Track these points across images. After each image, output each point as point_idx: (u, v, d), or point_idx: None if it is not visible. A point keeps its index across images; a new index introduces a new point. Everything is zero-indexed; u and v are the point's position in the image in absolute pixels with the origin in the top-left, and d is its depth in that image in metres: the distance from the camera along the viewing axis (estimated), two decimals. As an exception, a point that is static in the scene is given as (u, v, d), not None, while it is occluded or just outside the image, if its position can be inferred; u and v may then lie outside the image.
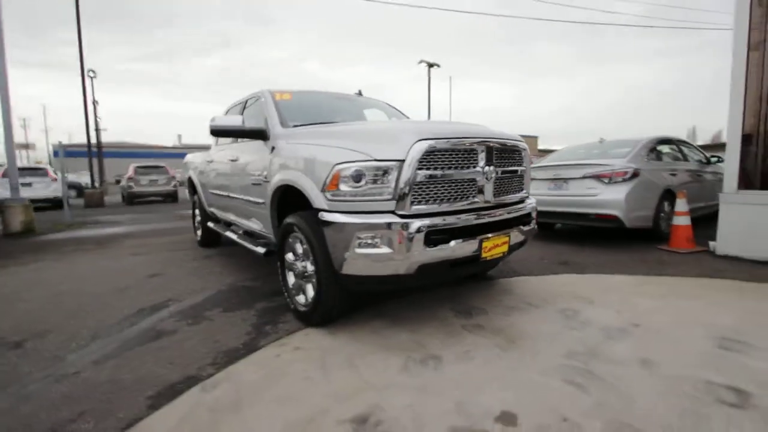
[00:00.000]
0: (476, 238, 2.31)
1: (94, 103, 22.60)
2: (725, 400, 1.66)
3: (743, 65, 3.67)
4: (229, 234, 4.06)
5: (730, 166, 3.81)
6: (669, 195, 4.76)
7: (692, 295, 2.95)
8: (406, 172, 2.09)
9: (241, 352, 2.25)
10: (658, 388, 1.77)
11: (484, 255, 2.35)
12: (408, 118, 4.01)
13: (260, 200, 3.07)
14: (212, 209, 4.67)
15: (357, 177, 2.12)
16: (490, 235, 2.37)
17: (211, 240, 5.32)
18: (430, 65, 23.71)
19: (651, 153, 4.91)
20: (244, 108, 3.84)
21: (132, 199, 13.65)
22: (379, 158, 2.10)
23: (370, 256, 2.10)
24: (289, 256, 2.75)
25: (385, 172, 2.09)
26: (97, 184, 16.78)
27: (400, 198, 2.10)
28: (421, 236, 2.10)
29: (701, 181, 5.45)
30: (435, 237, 2.15)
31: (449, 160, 2.23)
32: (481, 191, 2.40)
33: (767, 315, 2.56)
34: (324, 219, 2.21)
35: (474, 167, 2.33)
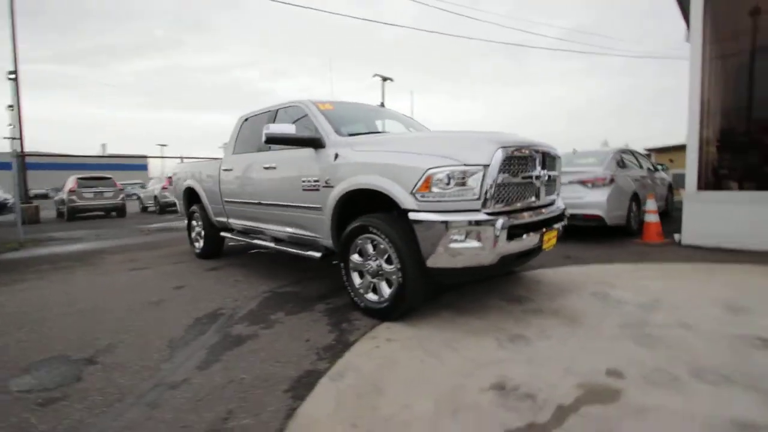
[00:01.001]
0: (538, 232, 2.67)
1: (11, 108, 20.11)
2: (756, 344, 2.16)
3: (698, 96, 4.52)
4: (259, 242, 4.04)
5: (691, 172, 4.64)
6: (635, 197, 5.59)
7: (683, 276, 3.59)
8: (491, 176, 2.40)
9: (339, 347, 2.37)
10: (705, 341, 2.23)
11: (544, 246, 2.73)
12: (426, 127, 4.32)
13: (315, 205, 3.18)
14: (229, 219, 4.58)
15: (447, 180, 2.38)
16: (545, 229, 2.75)
17: (213, 251, 5.17)
18: (384, 79, 24.44)
19: (619, 162, 5.73)
20: (275, 117, 3.91)
21: (73, 214, 12.34)
22: (468, 163, 2.38)
23: (462, 250, 2.36)
24: (355, 258, 2.90)
25: (473, 175, 2.38)
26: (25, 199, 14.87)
27: (485, 198, 2.40)
28: (504, 231, 2.40)
29: (654, 185, 6.44)
30: (514, 232, 2.47)
31: (519, 165, 2.58)
32: (537, 193, 2.78)
33: (748, 287, 3.22)
34: (416, 218, 2.42)
35: (534, 171, 2.70)
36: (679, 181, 9.50)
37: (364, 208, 2.96)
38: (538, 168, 2.74)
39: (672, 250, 4.65)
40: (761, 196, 4.29)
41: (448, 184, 2.38)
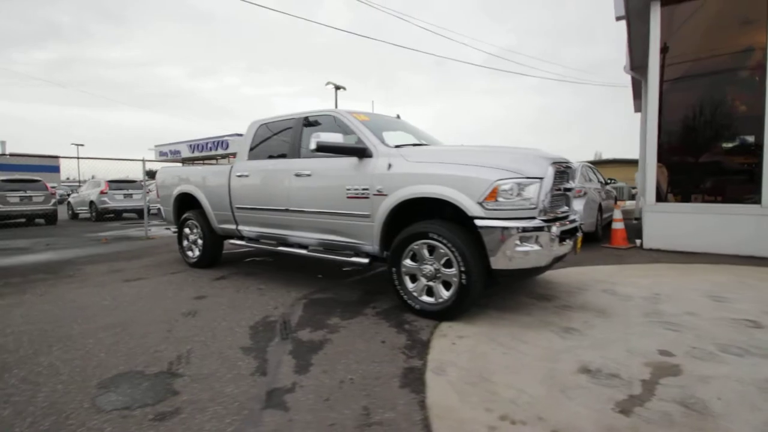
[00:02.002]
0: (573, 237, 3.07)
1: None
2: (749, 325, 2.73)
3: (655, 123, 5.39)
4: (285, 249, 4.00)
5: (650, 186, 5.48)
6: (600, 207, 6.42)
7: (663, 275, 4.26)
8: (545, 187, 2.74)
9: (418, 346, 2.52)
10: (711, 325, 2.75)
11: (576, 250, 3.13)
12: (437, 139, 4.61)
13: (363, 212, 3.29)
14: (239, 226, 4.44)
15: (512, 190, 2.67)
16: (578, 234, 3.16)
17: (211, 260, 4.95)
18: (337, 88, 24.58)
19: (584, 175, 6.53)
20: (302, 124, 3.93)
21: (-7, 222, 10.70)
22: (528, 176, 2.70)
23: (525, 253, 2.66)
24: (407, 262, 3.07)
25: (531, 186, 2.70)
26: None
27: (540, 207, 2.73)
28: (557, 236, 2.75)
29: (608, 197, 7.41)
30: (562, 236, 2.83)
31: (560, 178, 2.97)
32: (567, 203, 3.19)
33: (716, 281, 3.93)
34: (484, 225, 2.68)
35: (567, 184, 3.11)
36: (618, 194, 10.89)
37: (411, 216, 3.15)
38: (570, 182, 3.16)
39: (639, 253, 5.44)
40: (703, 207, 5.23)
41: (511, 194, 2.68)
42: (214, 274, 4.65)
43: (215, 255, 4.99)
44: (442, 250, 2.88)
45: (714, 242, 5.02)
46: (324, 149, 3.24)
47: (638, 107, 12.97)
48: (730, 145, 5.94)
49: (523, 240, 2.65)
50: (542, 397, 1.90)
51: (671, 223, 5.30)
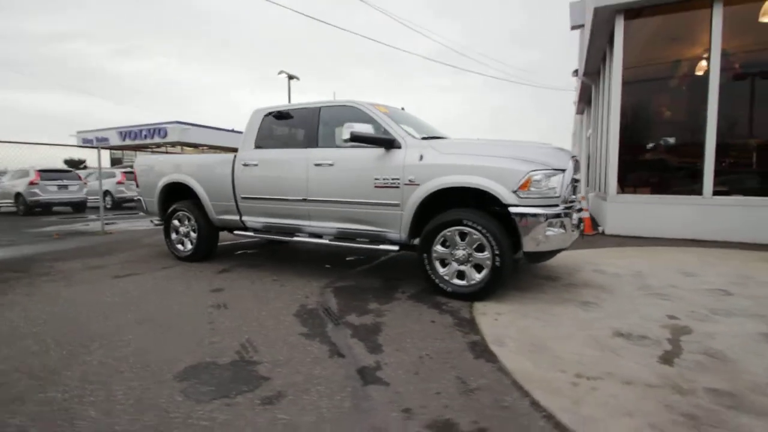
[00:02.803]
0: (581, 223, 3.46)
1: None
2: (723, 293, 3.30)
3: (618, 121, 6.07)
4: (302, 239, 3.96)
5: (612, 179, 6.19)
6: (566, 198, 7.09)
7: (636, 256, 4.88)
8: (567, 178, 3.07)
9: (465, 323, 2.72)
10: (694, 294, 3.28)
11: (582, 234, 3.53)
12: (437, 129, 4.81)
13: (392, 201, 3.40)
14: (243, 217, 4.30)
15: (542, 180, 2.96)
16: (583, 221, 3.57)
17: (206, 253, 4.74)
18: (290, 77, 23.83)
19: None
20: (319, 115, 3.92)
21: None
22: (555, 168, 3.00)
23: (553, 236, 2.97)
24: (438, 248, 3.26)
25: (556, 176, 3.01)
26: None
27: (563, 195, 3.06)
28: (577, 221, 3.10)
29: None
30: (578, 222, 3.19)
31: (574, 170, 3.32)
32: (575, 192, 3.57)
33: (681, 260, 4.61)
34: (518, 212, 2.94)
35: (577, 175, 3.48)
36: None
37: (435, 206, 3.33)
38: (578, 173, 3.55)
39: (604, 238, 6.14)
40: (656, 198, 6.04)
41: (541, 184, 2.97)
42: (214, 267, 4.46)
43: (210, 248, 4.78)
44: (475, 236, 3.10)
45: (665, 227, 5.84)
46: (357, 139, 3.30)
47: (581, 110, 14.31)
48: (651, 144, 6.92)
49: (550, 225, 2.96)
50: (599, 357, 2.20)
51: (630, 212, 6.05)
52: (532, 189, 2.96)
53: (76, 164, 27.42)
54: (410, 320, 2.80)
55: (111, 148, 29.36)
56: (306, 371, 2.06)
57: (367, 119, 3.68)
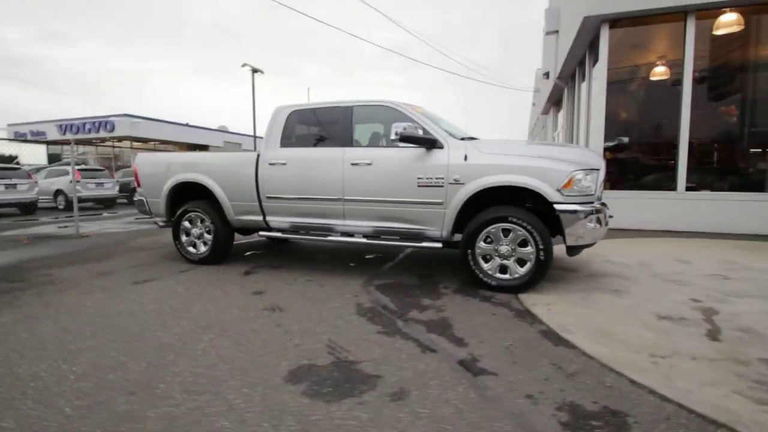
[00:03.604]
0: (604, 217, 3.77)
1: None
2: (721, 278, 3.76)
3: (602, 119, 6.57)
4: (338, 239, 3.94)
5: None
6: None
7: (631, 247, 5.35)
8: (600, 177, 3.34)
9: (523, 314, 2.90)
10: (701, 279, 3.71)
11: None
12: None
13: (436, 200, 3.50)
14: (267, 217, 4.20)
15: (582, 179, 3.20)
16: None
17: (221, 255, 4.57)
18: (254, 71, 22.96)
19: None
20: (352, 113, 3.91)
21: None
22: (593, 167, 3.26)
23: (592, 230, 3.23)
24: (482, 244, 3.42)
25: (592, 175, 3.27)
26: None
27: (598, 193, 3.33)
28: (608, 217, 3.39)
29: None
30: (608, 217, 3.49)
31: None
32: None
33: (671, 249, 5.12)
34: (563, 209, 3.17)
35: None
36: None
37: (474, 205, 3.48)
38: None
39: (591, 231, 6.66)
40: (637, 193, 6.64)
41: (581, 182, 3.21)
42: (235, 269, 4.32)
43: (226, 250, 4.61)
44: (519, 232, 3.29)
45: (645, 220, 6.45)
46: (405, 139, 3.37)
47: (546, 110, 15.18)
48: (611, 144, 7.61)
49: (589, 221, 3.22)
50: (658, 338, 2.47)
51: (614, 207, 6.59)
52: (574, 187, 3.20)
53: (7, 160, 24.56)
54: (472, 314, 2.93)
55: (47, 142, 26.61)
56: (411, 367, 2.13)
57: (404, 119, 3.74)
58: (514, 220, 3.28)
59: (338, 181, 3.84)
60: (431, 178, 3.52)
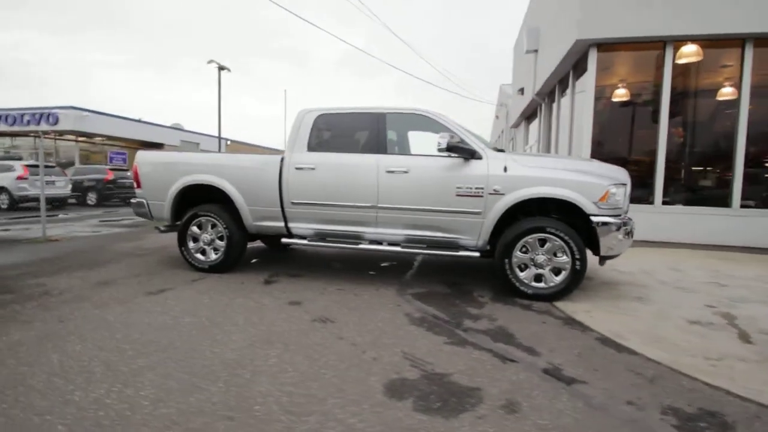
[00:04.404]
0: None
1: None
2: (717, 285, 4.14)
3: (590, 134, 7.03)
4: (370, 247, 3.86)
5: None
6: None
7: (624, 256, 5.72)
8: (628, 190, 3.57)
9: (571, 322, 3.02)
10: (700, 287, 4.06)
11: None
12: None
13: (474, 210, 3.55)
14: (290, 223, 4.03)
15: (615, 193, 3.40)
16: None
17: (233, 263, 4.31)
18: (221, 68, 22.00)
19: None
20: (385, 120, 3.88)
21: None
22: (622, 182, 3.48)
23: (622, 241, 3.44)
24: (518, 254, 3.52)
25: (621, 189, 3.49)
26: None
27: (625, 206, 3.55)
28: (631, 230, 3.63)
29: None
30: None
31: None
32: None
33: (662, 259, 5.54)
34: (599, 221, 3.34)
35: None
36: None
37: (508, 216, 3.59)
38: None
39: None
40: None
41: (614, 196, 3.42)
42: (252, 278, 4.09)
43: (239, 257, 4.36)
44: (556, 242, 3.42)
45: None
46: (451, 149, 3.41)
47: (517, 124, 15.94)
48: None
49: (621, 232, 3.43)
50: (700, 342, 2.67)
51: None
52: (609, 201, 3.40)
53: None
54: (524, 322, 3.00)
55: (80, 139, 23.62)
56: (502, 377, 2.14)
57: (440, 128, 3.78)
58: (552, 230, 3.41)
59: (372, 188, 3.78)
60: (471, 188, 3.57)
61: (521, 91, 12.83)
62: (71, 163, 21.70)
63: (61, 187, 12.20)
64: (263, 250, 5.62)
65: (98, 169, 14.45)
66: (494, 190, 3.53)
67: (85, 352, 2.35)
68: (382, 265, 4.89)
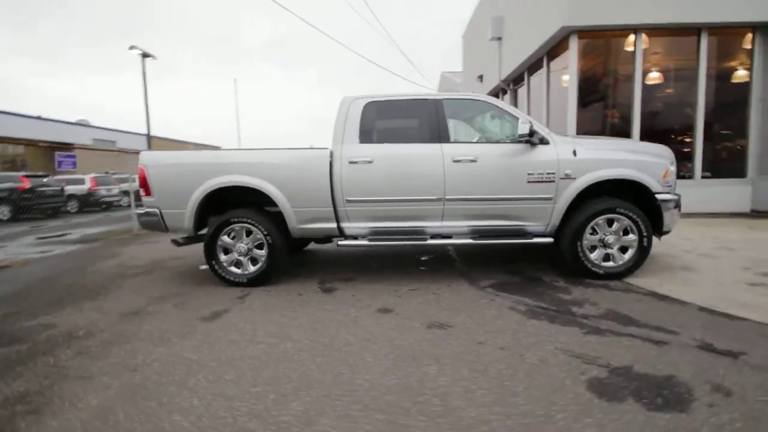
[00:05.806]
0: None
1: None
2: (728, 249, 4.63)
3: (574, 122, 7.42)
4: (438, 242, 3.63)
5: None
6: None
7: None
8: (674, 169, 3.79)
9: (665, 299, 3.14)
10: (719, 251, 4.50)
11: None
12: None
13: (546, 195, 3.52)
14: (343, 223, 3.66)
15: (672, 172, 3.59)
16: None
17: (273, 273, 3.82)
18: (145, 56, 19.42)
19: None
20: (443, 107, 3.65)
21: None
22: (673, 162, 3.67)
23: (677, 217, 3.65)
24: (588, 236, 3.57)
25: (673, 168, 3.69)
26: None
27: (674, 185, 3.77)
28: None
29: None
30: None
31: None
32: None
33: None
34: (663, 198, 3.50)
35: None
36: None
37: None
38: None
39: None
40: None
41: (670, 174, 3.60)
42: (305, 287, 3.68)
43: (281, 266, 3.87)
44: (624, 222, 3.53)
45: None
46: (531, 135, 3.32)
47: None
48: None
49: (677, 208, 3.64)
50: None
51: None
52: (669, 179, 3.58)
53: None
54: (625, 302, 3.04)
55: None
56: (675, 361, 2.13)
57: (500, 114, 3.67)
58: (622, 210, 3.51)
59: (439, 179, 3.56)
60: (542, 174, 3.53)
61: (480, 78, 13.18)
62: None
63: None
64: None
65: (9, 177, 12.01)
66: (566, 174, 3.53)
67: (206, 406, 1.88)
68: (423, 259, 4.70)
